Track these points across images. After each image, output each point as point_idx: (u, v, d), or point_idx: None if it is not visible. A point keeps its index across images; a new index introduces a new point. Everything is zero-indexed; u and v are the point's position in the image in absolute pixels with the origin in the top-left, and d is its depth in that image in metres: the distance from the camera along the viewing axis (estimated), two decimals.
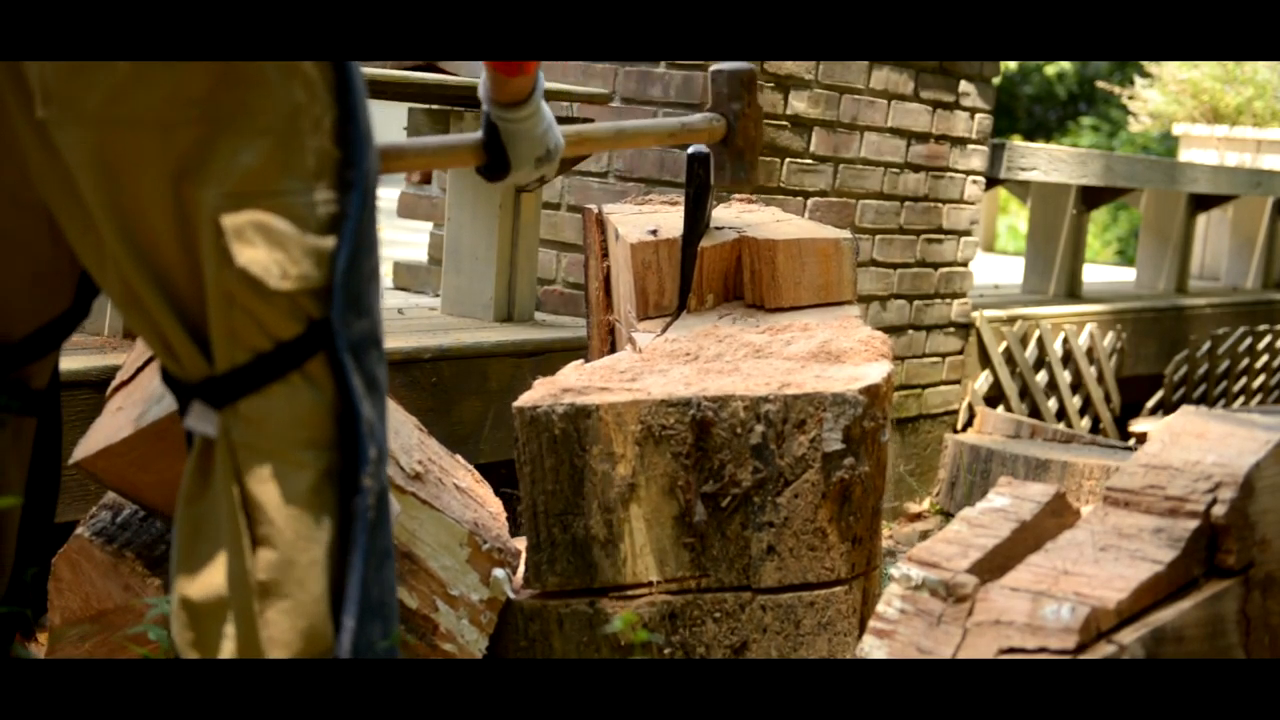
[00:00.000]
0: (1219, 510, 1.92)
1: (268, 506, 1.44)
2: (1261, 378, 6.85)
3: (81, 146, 1.43)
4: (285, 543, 1.44)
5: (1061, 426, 5.19)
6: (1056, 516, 2.00)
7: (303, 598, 1.45)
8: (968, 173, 4.85)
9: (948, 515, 4.58)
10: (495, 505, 2.48)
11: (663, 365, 2.46)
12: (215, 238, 1.42)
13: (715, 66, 2.57)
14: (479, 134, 2.14)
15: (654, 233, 2.73)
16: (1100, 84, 12.61)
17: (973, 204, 4.92)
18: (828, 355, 2.47)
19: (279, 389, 1.46)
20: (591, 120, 3.71)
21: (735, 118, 2.54)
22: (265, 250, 1.43)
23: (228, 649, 1.46)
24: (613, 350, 2.87)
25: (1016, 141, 6.49)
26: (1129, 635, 1.75)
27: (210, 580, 1.46)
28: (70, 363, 2.72)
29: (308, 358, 1.47)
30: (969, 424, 5.02)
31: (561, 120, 3.71)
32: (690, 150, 2.61)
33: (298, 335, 1.46)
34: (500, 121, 2.10)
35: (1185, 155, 9.59)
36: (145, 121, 1.41)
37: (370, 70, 3.42)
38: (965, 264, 4.96)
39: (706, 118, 2.55)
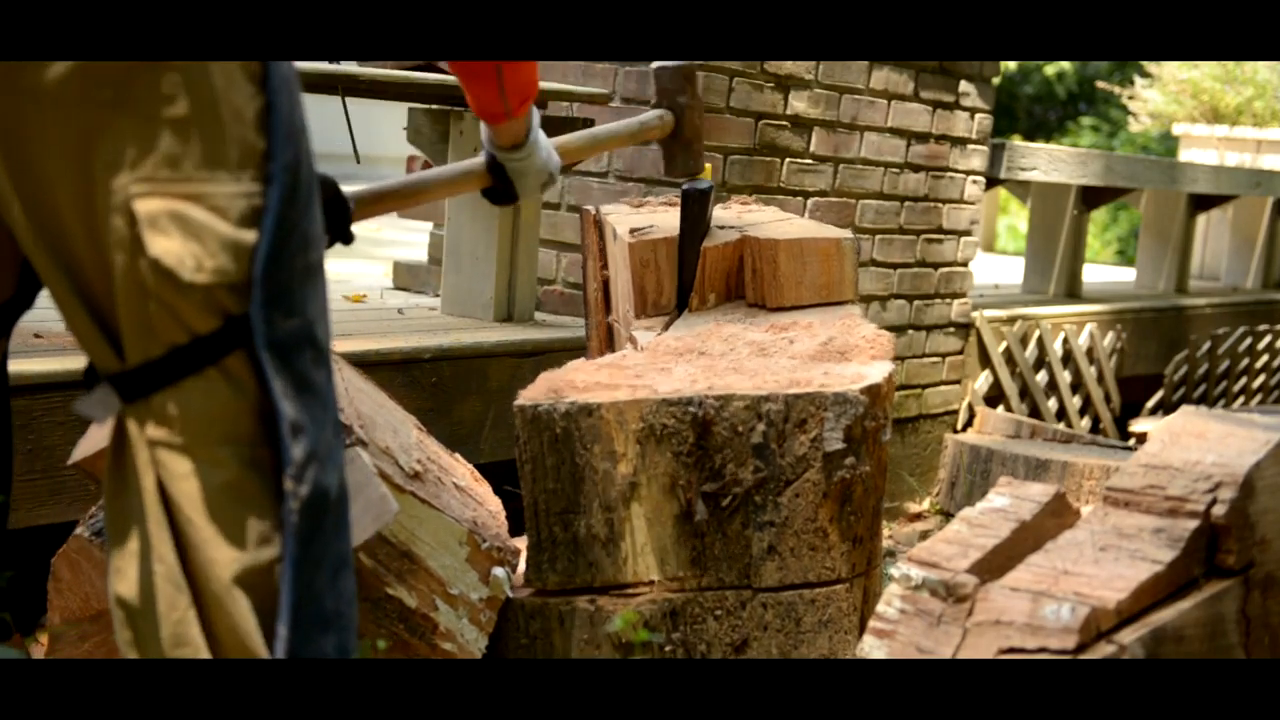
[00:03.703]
0: (1219, 510, 1.92)
1: (184, 504, 1.41)
2: (1261, 378, 6.85)
3: None
4: (202, 540, 1.41)
5: (1061, 426, 5.19)
6: (1056, 516, 2.00)
7: (223, 597, 1.42)
8: (968, 173, 4.85)
9: (948, 515, 4.58)
10: (495, 504, 2.48)
11: (667, 363, 2.46)
12: (128, 226, 1.37)
13: (657, 64, 2.67)
14: (482, 159, 2.29)
15: (650, 229, 2.74)
16: (1100, 84, 12.62)
17: (973, 204, 4.92)
18: (832, 353, 2.47)
19: (194, 384, 1.41)
20: (592, 121, 3.72)
21: (681, 111, 2.63)
22: (180, 241, 1.37)
23: (161, 648, 1.43)
24: (612, 351, 2.87)
25: (1016, 141, 6.49)
26: (1129, 635, 1.75)
27: (139, 578, 1.43)
28: (70, 363, 2.73)
29: (225, 354, 1.42)
30: (969, 424, 5.02)
31: (563, 121, 3.73)
32: (685, 187, 2.71)
33: (215, 330, 1.41)
34: (506, 162, 2.27)
35: (1185, 155, 9.59)
36: (49, 96, 1.35)
37: (370, 70, 3.42)
38: (965, 264, 4.96)
39: (657, 114, 2.64)
